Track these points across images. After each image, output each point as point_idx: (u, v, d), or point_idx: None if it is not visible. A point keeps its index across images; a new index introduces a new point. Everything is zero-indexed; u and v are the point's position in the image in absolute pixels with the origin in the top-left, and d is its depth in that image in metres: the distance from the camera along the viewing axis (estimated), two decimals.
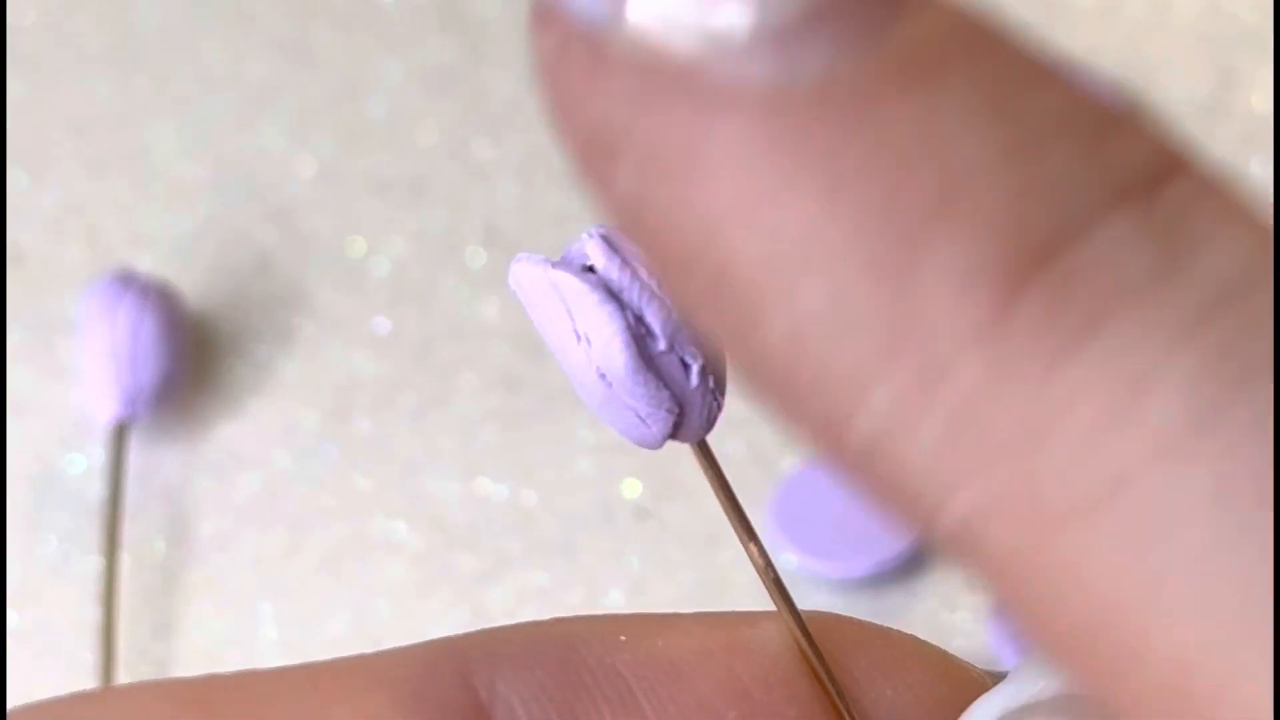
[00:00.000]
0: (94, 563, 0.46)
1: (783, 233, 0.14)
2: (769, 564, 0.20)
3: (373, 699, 0.19)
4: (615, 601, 0.44)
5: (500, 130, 0.52)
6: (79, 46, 0.55)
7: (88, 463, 0.48)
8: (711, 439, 0.20)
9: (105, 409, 0.46)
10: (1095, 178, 0.14)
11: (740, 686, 0.20)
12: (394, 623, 0.45)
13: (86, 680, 0.44)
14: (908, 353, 0.14)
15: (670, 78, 0.14)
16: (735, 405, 0.50)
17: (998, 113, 0.14)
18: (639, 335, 0.18)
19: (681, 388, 0.18)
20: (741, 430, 0.45)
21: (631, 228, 0.15)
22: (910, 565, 0.44)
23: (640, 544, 0.45)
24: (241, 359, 0.49)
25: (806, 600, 0.27)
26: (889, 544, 0.44)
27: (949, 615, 0.44)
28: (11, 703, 0.43)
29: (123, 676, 0.44)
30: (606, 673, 0.20)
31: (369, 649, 0.20)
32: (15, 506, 0.47)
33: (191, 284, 0.49)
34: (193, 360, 0.48)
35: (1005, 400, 0.14)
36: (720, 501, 0.20)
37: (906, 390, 0.14)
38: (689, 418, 0.19)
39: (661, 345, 0.18)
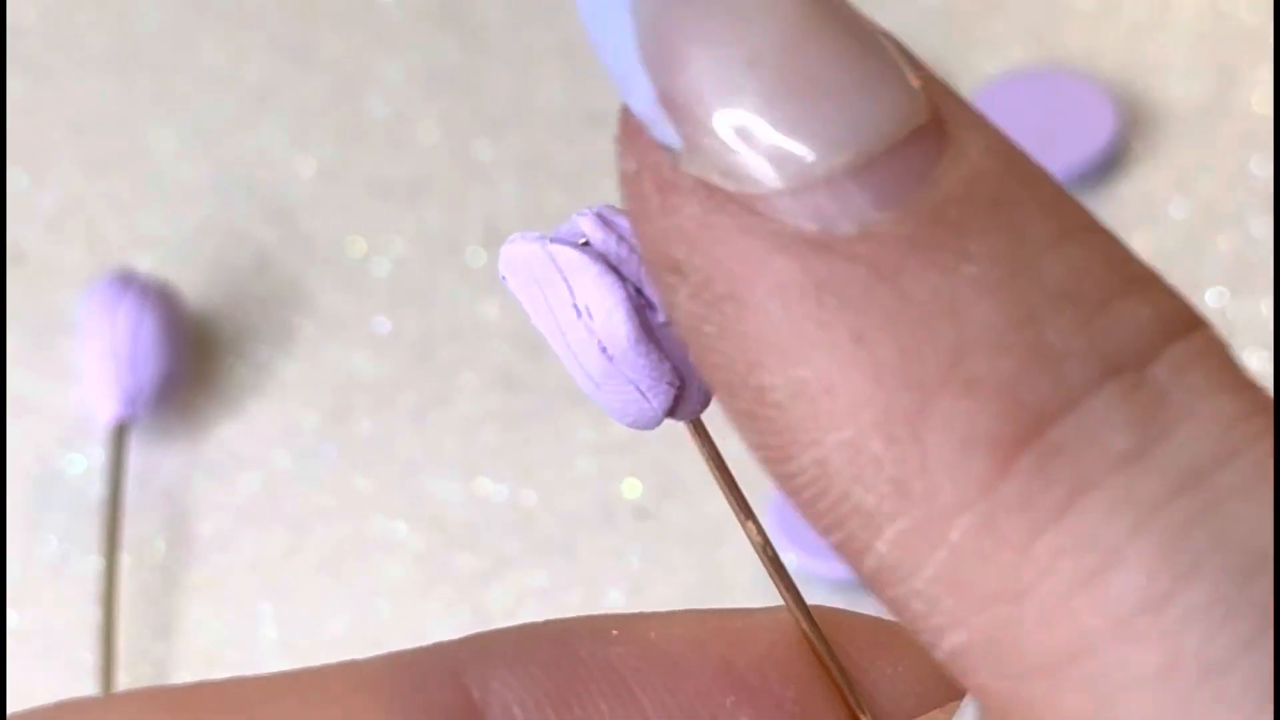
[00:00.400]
0: (94, 563, 0.46)
1: (813, 374, 0.15)
2: (767, 542, 0.20)
3: (361, 702, 0.19)
4: (615, 601, 0.44)
5: (500, 130, 0.52)
6: (79, 46, 0.55)
7: (88, 463, 0.48)
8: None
9: (105, 409, 0.46)
10: (1090, 351, 0.15)
11: (736, 673, 0.20)
12: (394, 623, 0.45)
13: (86, 680, 0.44)
14: (913, 504, 0.15)
15: (729, 211, 0.16)
16: None
17: (1010, 281, 0.15)
18: (639, 306, 0.18)
19: (681, 360, 0.18)
20: None
21: (690, 340, 0.16)
22: None
23: (640, 544, 0.45)
24: (241, 359, 0.49)
25: (807, 599, 0.28)
26: None
27: None
28: (12, 703, 0.43)
29: (123, 677, 0.44)
30: (600, 667, 0.20)
31: (369, 649, 0.20)
32: (15, 506, 0.47)
33: (191, 284, 0.49)
34: (193, 360, 0.48)
35: (993, 557, 0.15)
36: (717, 480, 0.20)
37: (911, 537, 0.15)
38: (688, 392, 0.19)
39: (661, 317, 0.18)
